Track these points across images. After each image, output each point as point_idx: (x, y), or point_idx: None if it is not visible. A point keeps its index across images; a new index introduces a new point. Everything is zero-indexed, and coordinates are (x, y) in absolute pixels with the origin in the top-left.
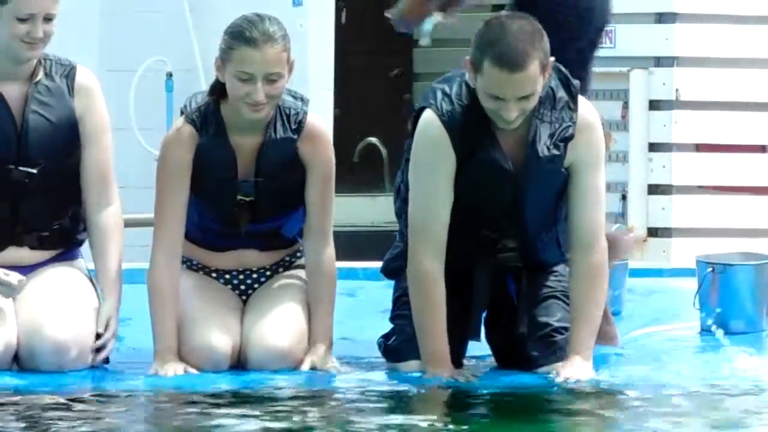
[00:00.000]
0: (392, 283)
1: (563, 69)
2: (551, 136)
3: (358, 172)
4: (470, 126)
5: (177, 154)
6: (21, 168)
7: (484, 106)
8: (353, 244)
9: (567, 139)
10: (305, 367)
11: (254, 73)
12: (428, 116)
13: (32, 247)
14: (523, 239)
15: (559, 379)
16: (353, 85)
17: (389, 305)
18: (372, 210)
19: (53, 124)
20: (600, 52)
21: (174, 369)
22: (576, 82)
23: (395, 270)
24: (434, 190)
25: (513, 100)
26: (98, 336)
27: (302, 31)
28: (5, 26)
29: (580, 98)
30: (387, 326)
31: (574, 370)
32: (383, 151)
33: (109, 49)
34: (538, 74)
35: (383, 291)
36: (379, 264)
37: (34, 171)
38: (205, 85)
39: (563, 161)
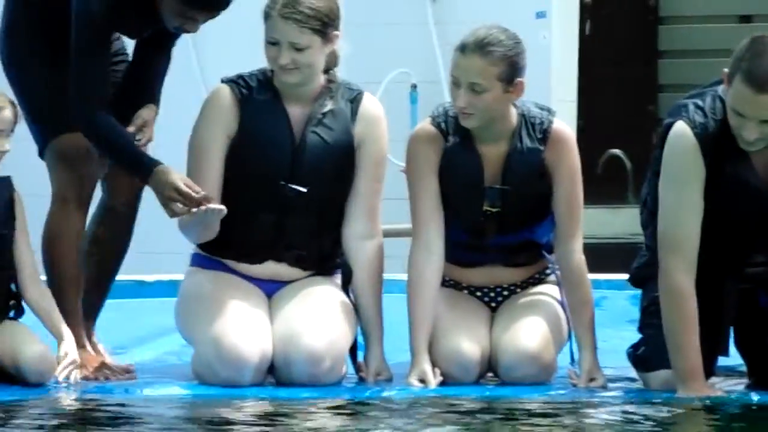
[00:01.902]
0: (637, 293)
1: None
2: None
3: (601, 185)
4: (722, 141)
5: (424, 149)
6: (292, 185)
7: (729, 120)
8: (596, 255)
9: None
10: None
11: (459, 78)
12: (680, 127)
13: (290, 264)
14: None
15: None
16: (597, 97)
17: (635, 315)
18: (615, 222)
19: (330, 146)
20: None
21: None
22: None
23: (643, 279)
24: (685, 203)
25: (754, 121)
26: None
27: (545, 42)
28: (264, 47)
29: None
30: (634, 335)
31: None
32: (627, 163)
33: (353, 61)
34: None
35: (628, 302)
36: (622, 276)
37: (305, 190)
38: (449, 97)
39: None
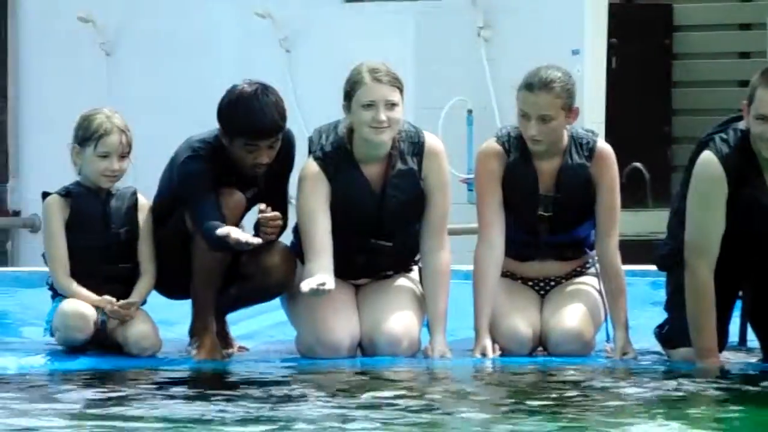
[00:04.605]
0: (656, 281)
1: None
2: None
3: (625, 192)
4: (743, 168)
5: (489, 164)
6: (380, 242)
7: (753, 133)
8: (622, 250)
9: None
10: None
11: (529, 113)
12: (709, 156)
13: (377, 280)
14: None
15: None
16: (621, 120)
17: (656, 298)
18: (637, 222)
19: (406, 204)
20: None
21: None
22: None
23: (668, 265)
24: (710, 218)
25: None
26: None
27: (579, 75)
28: (355, 115)
29: None
30: (656, 315)
31: None
32: (646, 174)
33: (422, 90)
34: None
35: (650, 287)
36: (643, 267)
37: (390, 244)
38: (498, 121)
39: None
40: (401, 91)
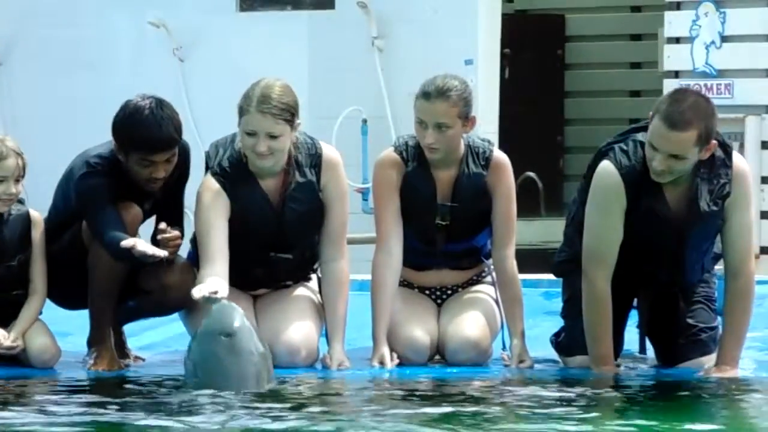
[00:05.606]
0: (549, 291)
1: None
2: (710, 192)
3: (518, 201)
4: (641, 179)
5: (387, 173)
6: (279, 255)
7: (646, 154)
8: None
9: (725, 197)
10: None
11: (426, 121)
12: (608, 166)
13: (275, 289)
14: (680, 273)
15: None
16: (514, 129)
17: (550, 308)
18: (529, 232)
19: (304, 215)
20: (722, 101)
21: None
22: (729, 141)
23: (564, 272)
24: (608, 228)
25: (663, 154)
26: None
27: (472, 85)
28: (241, 136)
29: (734, 153)
30: (551, 325)
31: (722, 373)
32: (539, 183)
33: (316, 100)
34: (692, 143)
35: (542, 297)
36: (536, 276)
37: (289, 256)
38: (393, 130)
39: (721, 213)
40: (291, 119)
